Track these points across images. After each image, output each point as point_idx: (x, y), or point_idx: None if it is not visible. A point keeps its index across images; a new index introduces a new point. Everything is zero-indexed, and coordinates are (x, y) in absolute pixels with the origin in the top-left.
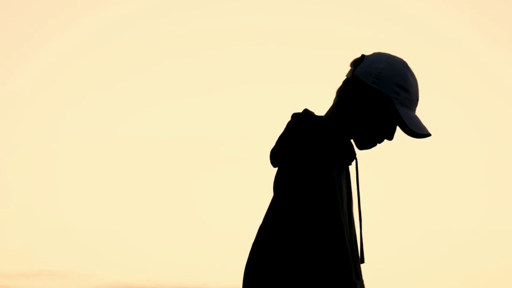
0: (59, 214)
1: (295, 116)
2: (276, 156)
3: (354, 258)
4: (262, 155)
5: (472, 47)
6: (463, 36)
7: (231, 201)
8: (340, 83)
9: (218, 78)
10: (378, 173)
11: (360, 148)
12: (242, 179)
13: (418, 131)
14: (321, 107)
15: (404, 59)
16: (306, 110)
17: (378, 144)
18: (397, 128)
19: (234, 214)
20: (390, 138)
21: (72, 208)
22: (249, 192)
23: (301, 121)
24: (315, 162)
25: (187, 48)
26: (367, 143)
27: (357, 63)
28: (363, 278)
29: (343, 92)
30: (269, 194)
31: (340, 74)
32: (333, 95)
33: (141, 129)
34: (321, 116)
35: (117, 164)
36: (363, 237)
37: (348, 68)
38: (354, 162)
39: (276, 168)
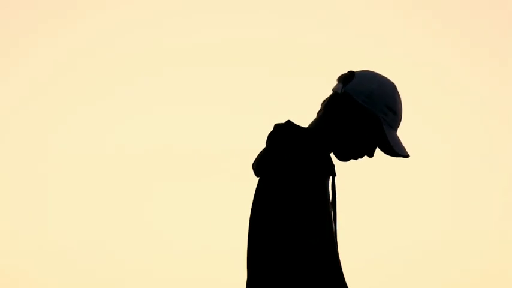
0: (46, 233)
1: (277, 127)
2: (260, 166)
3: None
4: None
5: (433, 56)
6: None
7: (218, 214)
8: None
9: (207, 90)
10: (346, 188)
11: (339, 159)
12: (227, 190)
13: (399, 152)
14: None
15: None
16: (288, 122)
17: (357, 159)
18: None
19: (219, 227)
20: (371, 155)
21: (60, 226)
22: (233, 204)
23: (285, 132)
24: (301, 172)
25: (175, 62)
26: (346, 156)
27: (347, 79)
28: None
29: (331, 105)
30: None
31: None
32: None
33: (129, 144)
34: (304, 128)
35: (109, 180)
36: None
37: (334, 83)
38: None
39: (257, 179)
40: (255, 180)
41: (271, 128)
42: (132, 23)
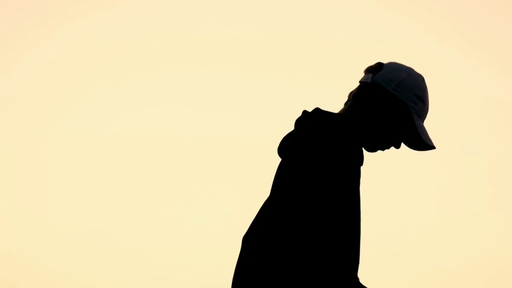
0: (54, 217)
1: (307, 113)
2: (288, 150)
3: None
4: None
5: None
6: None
7: (229, 201)
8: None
9: (207, 90)
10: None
11: (367, 150)
12: (242, 177)
13: (427, 142)
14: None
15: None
16: (317, 109)
17: (384, 150)
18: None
19: (232, 214)
20: (398, 146)
21: (68, 211)
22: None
23: (319, 118)
24: (340, 160)
25: (185, 53)
26: (375, 147)
27: (375, 70)
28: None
29: (361, 95)
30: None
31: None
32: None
33: (137, 128)
34: (337, 114)
35: (114, 164)
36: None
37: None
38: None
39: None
40: (255, 180)
41: (271, 128)
42: (132, 22)
